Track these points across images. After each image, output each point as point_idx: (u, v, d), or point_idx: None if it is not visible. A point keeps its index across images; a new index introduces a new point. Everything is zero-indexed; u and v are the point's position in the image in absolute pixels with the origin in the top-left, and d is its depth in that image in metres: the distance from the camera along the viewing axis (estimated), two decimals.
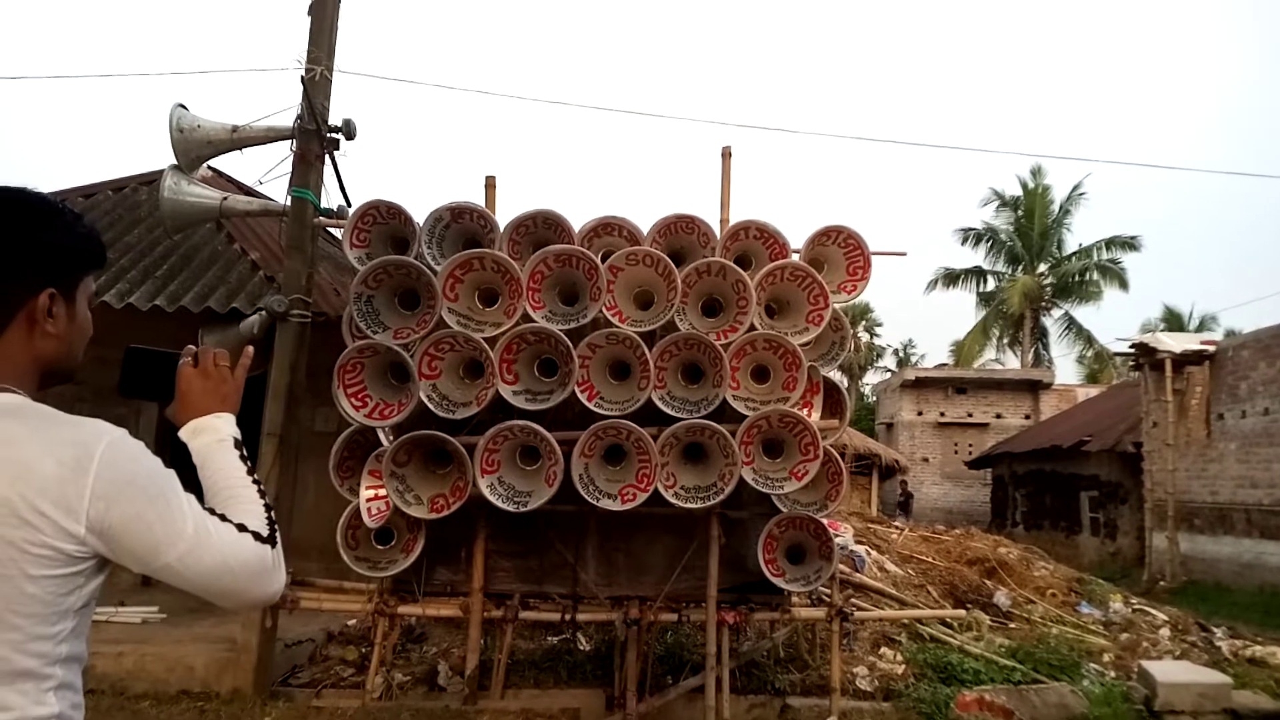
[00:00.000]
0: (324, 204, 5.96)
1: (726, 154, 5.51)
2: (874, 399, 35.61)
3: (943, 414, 28.51)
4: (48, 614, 1.10)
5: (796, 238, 5.16)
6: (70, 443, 1.12)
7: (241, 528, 1.21)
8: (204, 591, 1.18)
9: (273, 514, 1.29)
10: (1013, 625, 7.58)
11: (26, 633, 1.08)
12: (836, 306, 5.00)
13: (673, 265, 4.74)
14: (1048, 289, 32.86)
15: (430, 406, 4.59)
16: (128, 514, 1.12)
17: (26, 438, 1.12)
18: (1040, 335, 33.69)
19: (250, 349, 1.49)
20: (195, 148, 5.91)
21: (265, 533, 1.23)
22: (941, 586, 8.23)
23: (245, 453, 1.35)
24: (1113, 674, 6.35)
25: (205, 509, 1.21)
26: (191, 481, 1.28)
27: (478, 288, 4.86)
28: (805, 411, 4.83)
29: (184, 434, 1.35)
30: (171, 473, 1.21)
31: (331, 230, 6.19)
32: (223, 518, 1.21)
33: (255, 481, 1.32)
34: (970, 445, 27.83)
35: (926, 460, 28.25)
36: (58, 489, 1.09)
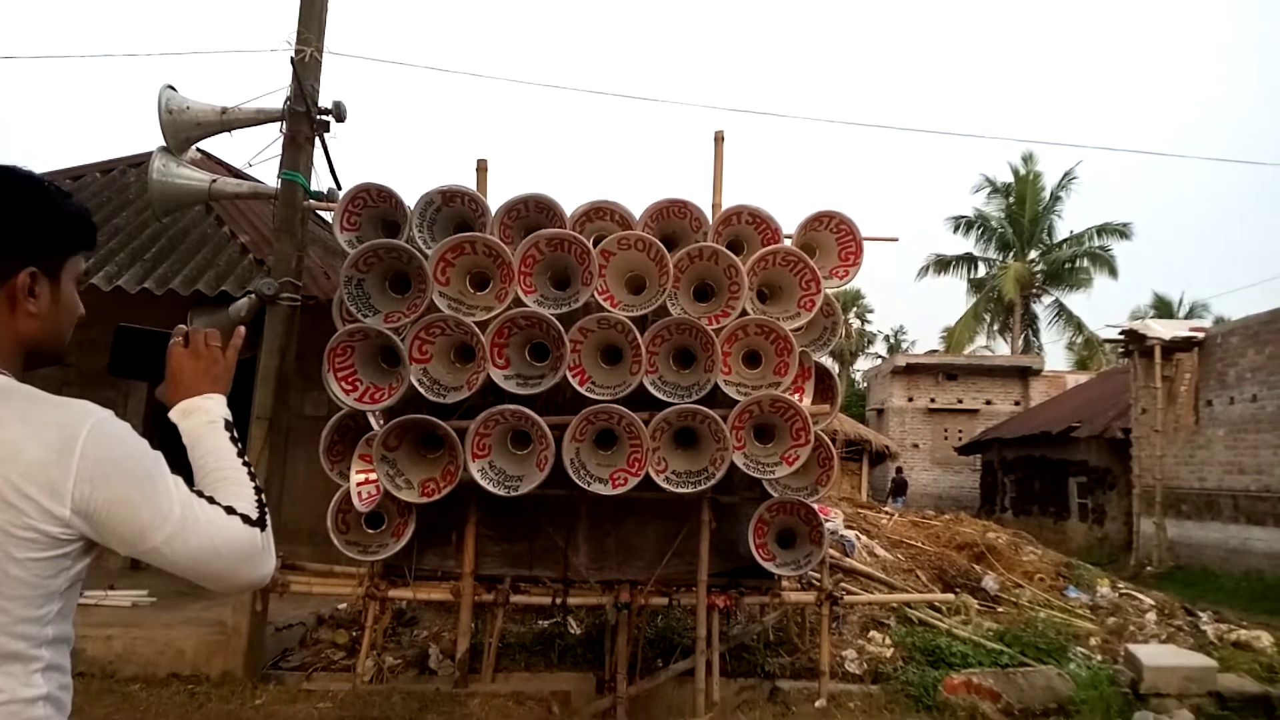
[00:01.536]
0: (314, 187, 5.92)
1: (719, 138, 5.48)
2: (865, 385, 35.74)
3: (933, 400, 28.67)
4: (33, 596, 1.09)
5: (789, 223, 5.15)
6: (55, 424, 1.11)
7: (230, 510, 1.19)
8: (192, 574, 1.17)
9: (263, 496, 1.27)
10: (1000, 609, 7.64)
11: (12, 615, 1.07)
12: (828, 292, 5.00)
13: (664, 250, 4.73)
14: (1038, 276, 32.97)
15: (421, 391, 4.57)
16: (113, 496, 1.11)
17: (10, 419, 1.10)
18: (1030, 322, 33.84)
19: (241, 329, 1.47)
20: (184, 129, 5.85)
21: (254, 515, 1.22)
22: (930, 571, 8.29)
23: (236, 434, 1.33)
24: (1099, 657, 6.40)
25: (194, 491, 1.20)
26: (182, 463, 1.27)
27: (469, 272, 4.84)
28: (796, 397, 4.83)
29: (174, 415, 1.34)
30: (158, 454, 1.19)
31: (321, 213, 6.15)
32: (211, 500, 1.20)
33: (245, 464, 1.30)
34: (960, 431, 28.00)
35: (916, 446, 28.42)
36: (42, 471, 1.08)
